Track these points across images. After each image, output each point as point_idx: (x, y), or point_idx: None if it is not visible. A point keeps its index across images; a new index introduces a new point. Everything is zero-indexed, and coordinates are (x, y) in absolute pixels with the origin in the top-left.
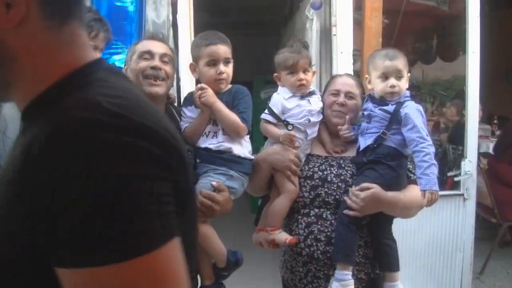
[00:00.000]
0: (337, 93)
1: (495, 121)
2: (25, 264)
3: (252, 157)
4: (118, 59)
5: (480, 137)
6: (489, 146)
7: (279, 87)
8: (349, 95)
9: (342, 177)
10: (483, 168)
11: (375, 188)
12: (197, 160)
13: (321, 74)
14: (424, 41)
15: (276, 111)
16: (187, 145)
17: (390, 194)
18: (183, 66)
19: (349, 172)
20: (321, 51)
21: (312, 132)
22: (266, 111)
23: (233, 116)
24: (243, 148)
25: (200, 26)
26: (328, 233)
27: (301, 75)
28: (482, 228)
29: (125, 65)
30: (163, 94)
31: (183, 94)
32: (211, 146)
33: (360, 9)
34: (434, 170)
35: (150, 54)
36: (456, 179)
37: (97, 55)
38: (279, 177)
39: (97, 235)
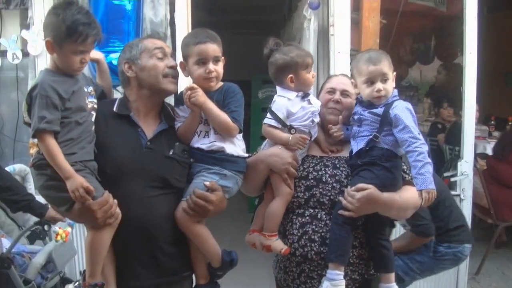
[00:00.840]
0: (332, 91)
1: (493, 122)
2: None
3: (246, 155)
4: (115, 57)
5: (477, 137)
6: (486, 147)
7: (280, 89)
8: (344, 93)
9: (337, 178)
10: (479, 168)
11: (371, 189)
12: (191, 160)
13: (319, 74)
14: (422, 41)
15: (281, 116)
16: (183, 145)
17: (386, 195)
18: None
19: (344, 172)
20: (319, 50)
21: (315, 132)
22: (269, 115)
23: (224, 116)
24: (236, 147)
25: (198, 25)
26: (323, 234)
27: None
28: (478, 229)
29: (127, 62)
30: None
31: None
32: (203, 147)
33: (358, 9)
34: (429, 168)
35: (163, 53)
36: (452, 179)
37: (86, 58)
38: (275, 179)
39: None
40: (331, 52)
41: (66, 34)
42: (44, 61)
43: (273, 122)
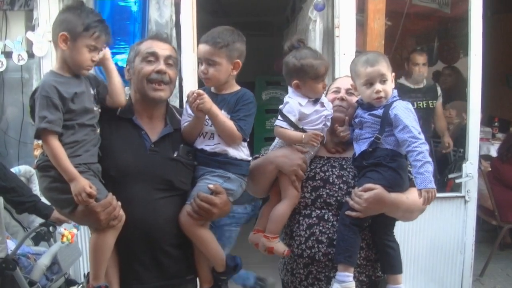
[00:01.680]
0: (337, 90)
1: (496, 123)
2: None
3: (250, 158)
4: (121, 59)
5: (480, 139)
6: (490, 149)
7: (291, 92)
8: (349, 91)
9: (344, 178)
10: (484, 170)
11: (379, 189)
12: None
13: None
14: (426, 43)
15: (292, 118)
16: (188, 147)
17: (393, 196)
18: (186, 66)
19: (351, 173)
20: (324, 52)
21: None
22: (280, 117)
23: (229, 123)
24: (239, 152)
25: (202, 27)
26: (330, 235)
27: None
28: (483, 230)
29: (127, 65)
30: (166, 99)
31: (186, 95)
32: (207, 148)
33: (362, 11)
34: (429, 168)
35: (155, 56)
36: (457, 181)
37: (95, 56)
38: (283, 181)
39: None
40: (336, 53)
41: (83, 28)
42: (49, 62)
43: (284, 125)
